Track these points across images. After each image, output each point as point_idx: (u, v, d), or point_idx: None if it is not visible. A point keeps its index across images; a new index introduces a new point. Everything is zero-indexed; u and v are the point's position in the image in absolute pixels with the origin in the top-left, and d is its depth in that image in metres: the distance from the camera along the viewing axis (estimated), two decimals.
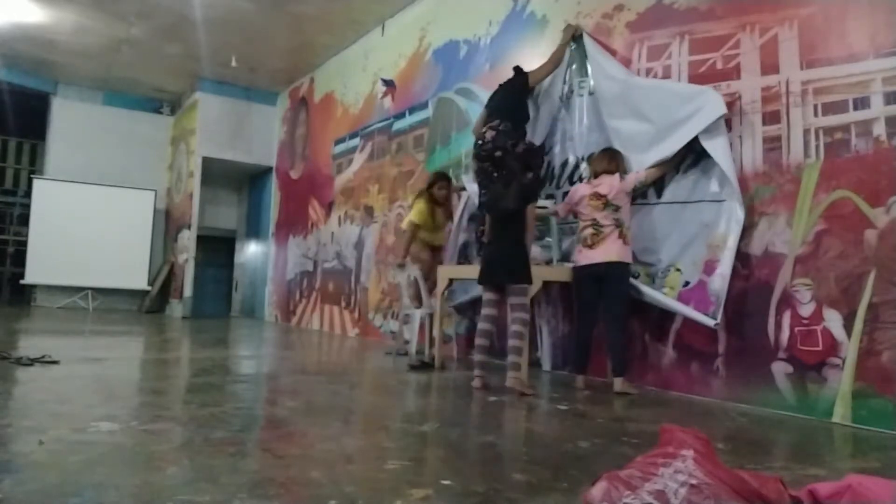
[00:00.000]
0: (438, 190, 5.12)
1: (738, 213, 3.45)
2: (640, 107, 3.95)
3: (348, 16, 7.37)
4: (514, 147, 4.29)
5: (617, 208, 3.79)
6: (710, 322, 3.44)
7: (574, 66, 4.62)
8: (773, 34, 3.46)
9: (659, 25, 4.07)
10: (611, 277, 3.75)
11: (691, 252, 3.68)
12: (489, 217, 3.92)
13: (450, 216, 5.28)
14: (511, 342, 3.69)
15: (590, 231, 3.84)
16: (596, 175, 3.93)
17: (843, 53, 3.16)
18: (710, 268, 3.56)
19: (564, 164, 4.63)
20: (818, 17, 3.28)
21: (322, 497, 1.67)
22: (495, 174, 4.21)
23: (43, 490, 1.66)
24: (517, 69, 4.67)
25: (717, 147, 3.52)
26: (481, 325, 3.90)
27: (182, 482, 1.77)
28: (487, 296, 3.88)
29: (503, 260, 3.75)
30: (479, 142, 4.50)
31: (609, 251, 3.75)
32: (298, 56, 8.76)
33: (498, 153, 4.29)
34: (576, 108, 4.59)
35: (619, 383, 3.70)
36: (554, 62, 4.59)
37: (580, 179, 4.44)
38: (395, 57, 7.17)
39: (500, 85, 4.73)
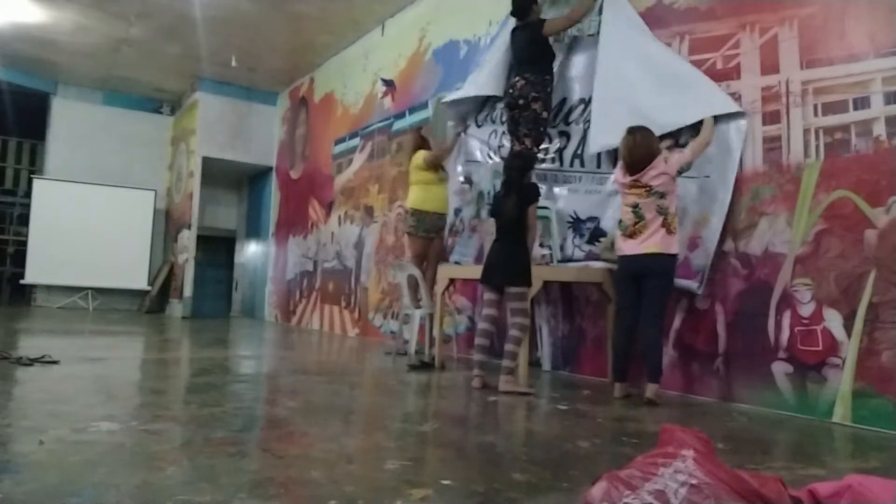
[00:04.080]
0: (429, 135, 5.17)
1: (723, 195, 3.55)
2: (654, 68, 3.93)
3: (348, 16, 7.37)
4: (530, 102, 4.36)
5: (662, 195, 3.39)
6: (695, 287, 3.58)
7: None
8: (773, 34, 3.46)
9: (659, 25, 4.07)
10: (652, 272, 3.40)
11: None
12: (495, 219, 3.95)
13: (443, 167, 5.19)
14: (506, 346, 3.69)
15: (630, 218, 3.47)
16: (634, 165, 3.44)
17: (843, 53, 3.16)
18: (692, 244, 3.66)
19: (562, 103, 4.60)
20: (818, 17, 3.28)
21: (322, 497, 1.67)
22: (513, 129, 4.50)
23: (43, 490, 1.66)
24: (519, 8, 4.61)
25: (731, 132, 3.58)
26: (481, 325, 3.90)
27: (182, 482, 1.77)
28: (488, 296, 3.89)
29: (503, 261, 3.76)
30: (511, 90, 4.53)
31: (649, 242, 3.40)
32: (298, 56, 8.76)
33: (521, 101, 4.40)
34: (577, 47, 4.58)
35: (652, 390, 3.36)
36: (571, 20, 4.46)
37: (577, 122, 4.44)
38: (395, 57, 7.17)
39: (517, 29, 4.64)
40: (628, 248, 3.49)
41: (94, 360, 4.39)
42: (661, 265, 3.40)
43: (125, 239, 10.62)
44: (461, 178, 5.39)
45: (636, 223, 3.44)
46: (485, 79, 5.05)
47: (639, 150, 3.42)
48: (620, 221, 3.57)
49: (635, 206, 3.44)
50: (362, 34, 7.86)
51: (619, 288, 3.69)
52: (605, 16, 4.32)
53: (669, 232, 3.39)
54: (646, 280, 3.43)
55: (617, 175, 3.67)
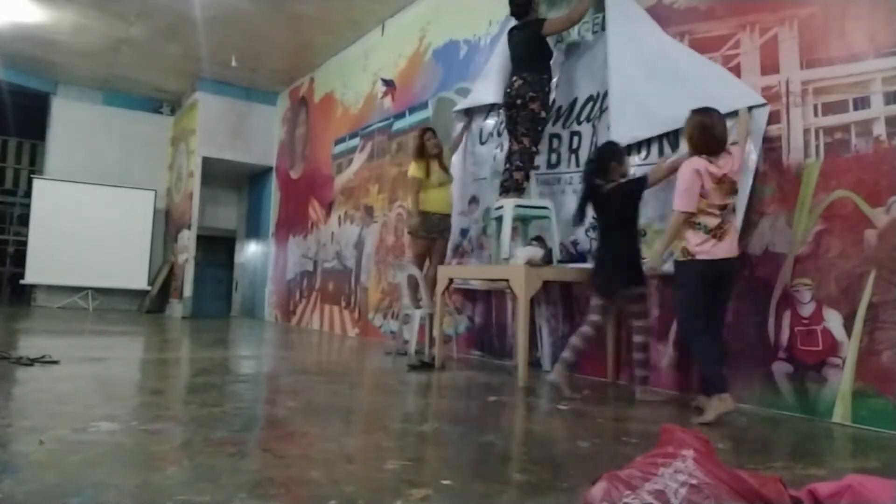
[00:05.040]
0: (427, 141, 5.13)
1: (752, 156, 3.41)
2: (666, 62, 3.87)
3: (348, 16, 7.37)
4: (528, 101, 4.32)
5: (737, 192, 3.20)
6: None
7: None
8: (773, 34, 3.46)
9: (659, 25, 4.06)
10: (729, 277, 3.19)
11: None
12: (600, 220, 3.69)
13: (446, 169, 5.24)
14: (637, 355, 3.55)
15: (717, 220, 3.10)
16: (717, 147, 3.12)
17: (843, 53, 3.16)
18: None
19: (573, 103, 4.57)
20: (818, 17, 3.27)
21: (322, 497, 1.67)
22: (511, 127, 4.46)
23: (43, 490, 1.65)
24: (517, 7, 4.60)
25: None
26: (588, 331, 3.55)
27: (182, 482, 1.77)
28: (598, 301, 3.58)
29: (625, 262, 3.51)
30: (508, 90, 4.50)
31: (732, 245, 3.15)
32: (298, 56, 8.76)
33: (519, 101, 4.37)
34: (583, 46, 4.54)
35: (727, 403, 2.98)
36: (572, 20, 4.41)
37: (588, 119, 4.41)
38: (395, 57, 7.17)
39: (515, 29, 4.62)
40: (719, 251, 3.09)
41: (94, 360, 4.39)
42: (736, 269, 3.23)
43: (125, 239, 10.62)
44: (469, 198, 5.33)
45: (721, 224, 3.10)
46: (489, 86, 5.04)
47: (720, 129, 3.11)
48: (702, 223, 3.11)
49: (724, 207, 3.10)
50: (362, 34, 7.86)
51: (698, 293, 3.15)
52: (610, 10, 4.29)
53: (737, 232, 3.22)
54: (723, 285, 3.19)
55: (701, 166, 3.08)
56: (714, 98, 3.59)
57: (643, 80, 3.99)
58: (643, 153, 4.05)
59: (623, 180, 3.60)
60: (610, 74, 4.20)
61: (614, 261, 3.56)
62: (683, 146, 3.64)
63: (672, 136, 3.89)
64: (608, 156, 3.65)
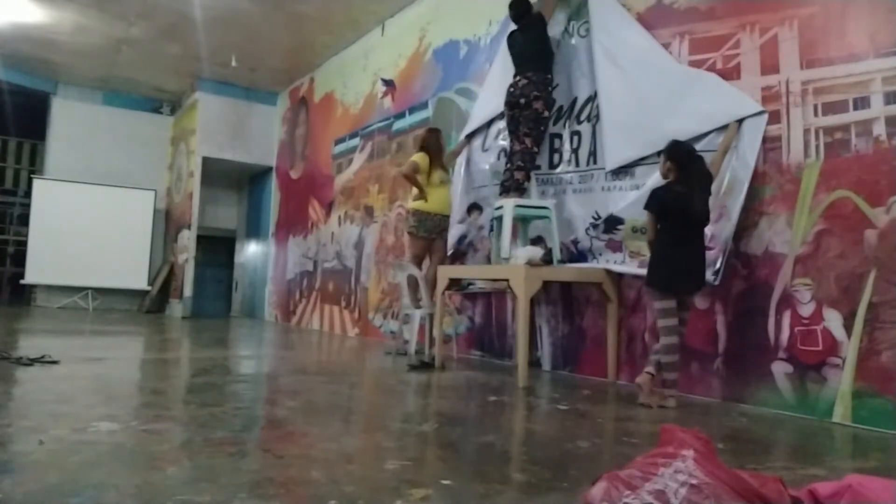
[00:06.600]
0: (440, 140, 5.18)
1: (749, 160, 3.43)
2: (656, 78, 3.90)
3: (348, 16, 7.37)
4: (531, 101, 4.32)
5: None
6: (710, 278, 3.43)
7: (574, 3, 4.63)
8: (773, 34, 3.46)
9: (659, 25, 4.06)
10: None
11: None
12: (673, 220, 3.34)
13: (446, 169, 5.25)
14: (667, 358, 3.30)
15: None
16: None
17: (843, 53, 3.16)
18: (718, 215, 3.47)
19: (573, 102, 4.58)
20: (818, 17, 3.28)
21: (322, 497, 1.67)
22: (516, 128, 4.45)
23: (43, 490, 1.65)
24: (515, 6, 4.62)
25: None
26: (673, 339, 3.31)
27: (182, 482, 1.77)
28: (669, 304, 3.32)
29: (699, 265, 3.32)
30: (511, 89, 4.49)
31: None
32: (298, 56, 8.76)
33: (522, 100, 4.36)
34: (583, 45, 4.57)
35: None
36: None
37: (588, 119, 4.46)
38: (395, 57, 7.17)
39: (517, 29, 4.63)
40: None
41: (94, 360, 4.39)
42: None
43: (125, 239, 10.62)
44: (468, 205, 5.33)
45: None
46: (491, 99, 5.04)
47: None
48: None
49: None
50: (362, 34, 7.86)
51: None
52: (594, 20, 4.33)
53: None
54: None
55: None
56: (706, 112, 3.62)
57: (632, 99, 4.02)
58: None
59: (702, 181, 3.31)
60: (600, 92, 4.25)
61: (694, 260, 3.31)
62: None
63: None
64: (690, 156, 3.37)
